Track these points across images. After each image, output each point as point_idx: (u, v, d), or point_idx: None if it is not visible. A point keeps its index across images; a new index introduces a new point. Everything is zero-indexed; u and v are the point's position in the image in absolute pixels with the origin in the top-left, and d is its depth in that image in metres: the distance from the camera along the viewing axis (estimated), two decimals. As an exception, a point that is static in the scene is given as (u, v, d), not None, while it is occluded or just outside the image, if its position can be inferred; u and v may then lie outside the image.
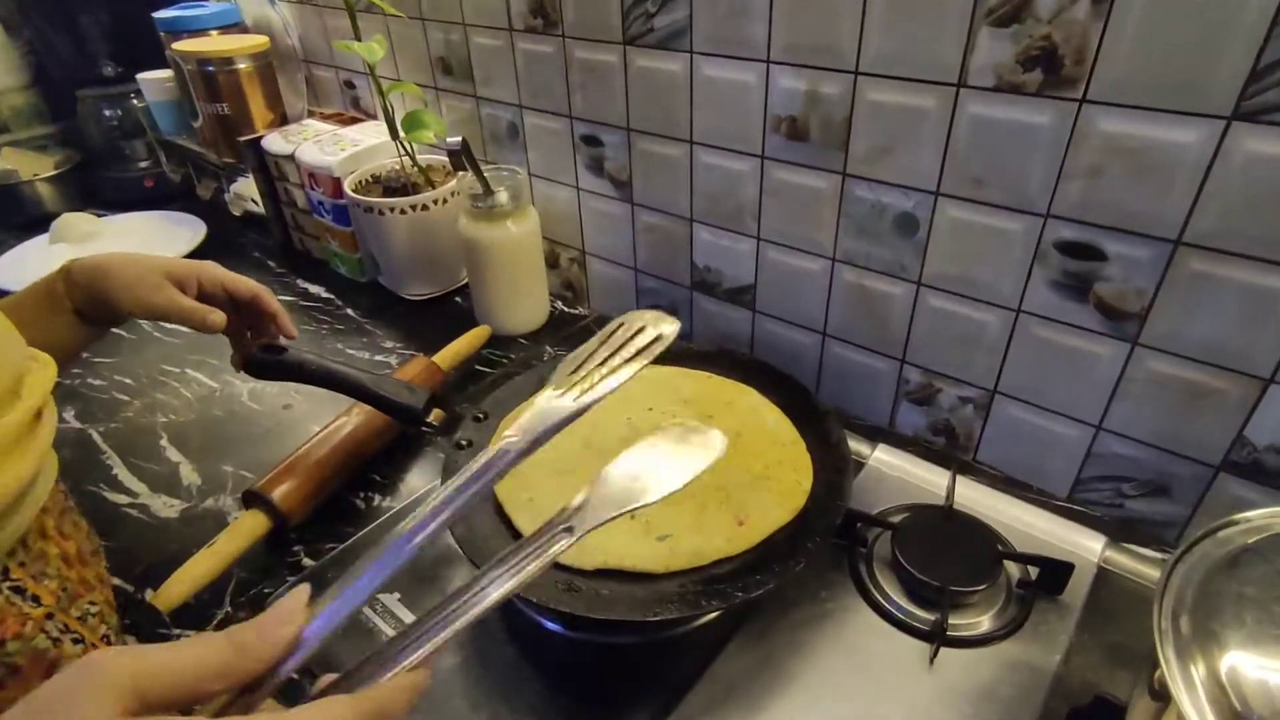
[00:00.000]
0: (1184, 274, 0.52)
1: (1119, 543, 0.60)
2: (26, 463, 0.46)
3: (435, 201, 0.93)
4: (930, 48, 0.56)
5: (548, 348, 0.91)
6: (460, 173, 0.88)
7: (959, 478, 0.64)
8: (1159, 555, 0.60)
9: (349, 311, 1.00)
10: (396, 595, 0.59)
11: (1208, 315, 0.53)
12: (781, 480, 0.57)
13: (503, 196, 0.84)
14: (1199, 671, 0.33)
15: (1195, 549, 0.37)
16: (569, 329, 0.95)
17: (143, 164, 1.36)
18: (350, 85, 1.14)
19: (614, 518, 0.33)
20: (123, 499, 0.71)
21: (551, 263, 1.00)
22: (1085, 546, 0.60)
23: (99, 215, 1.23)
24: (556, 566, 0.52)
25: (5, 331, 0.50)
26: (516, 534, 0.55)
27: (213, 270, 0.63)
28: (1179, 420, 0.57)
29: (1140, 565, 0.58)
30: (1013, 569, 0.58)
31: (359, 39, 0.85)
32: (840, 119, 0.63)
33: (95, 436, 0.79)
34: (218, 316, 0.60)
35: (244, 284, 0.63)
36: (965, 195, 0.60)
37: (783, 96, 0.66)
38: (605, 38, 0.76)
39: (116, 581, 0.63)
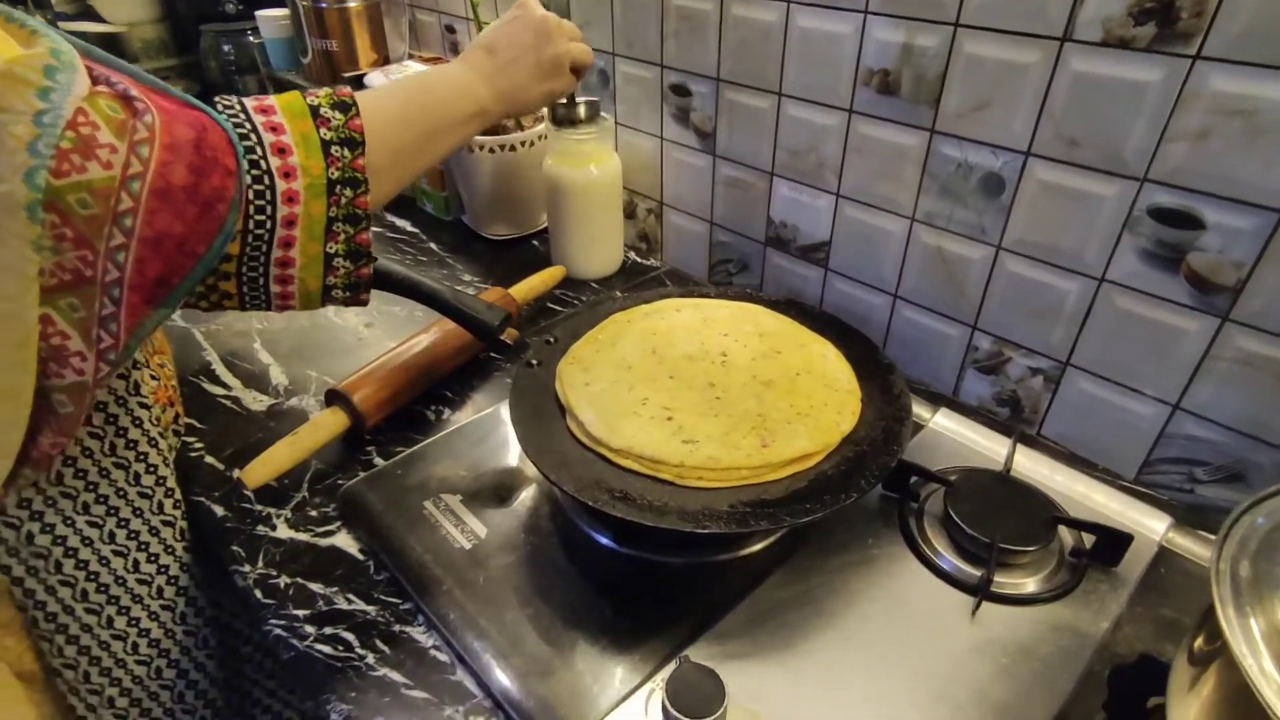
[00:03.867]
0: (1287, 247, 0.50)
1: (1186, 526, 0.58)
2: None
3: (522, 144, 0.95)
4: (1037, -1, 0.55)
5: (618, 293, 0.93)
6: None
7: (1020, 447, 0.63)
8: (1227, 543, 0.58)
9: (432, 245, 1.05)
10: (459, 497, 0.63)
11: (1309, 292, 0.50)
12: (820, 419, 0.57)
13: (581, 111, 0.84)
14: (1258, 621, 0.33)
15: (1266, 503, 0.36)
16: (640, 278, 0.97)
17: (253, 98, 1.44)
18: (450, 30, 1.18)
19: None
20: (218, 390, 0.77)
21: (629, 213, 1.02)
22: (1147, 525, 0.58)
23: (211, 142, 1.31)
24: (597, 454, 0.55)
25: None
26: (573, 436, 0.58)
27: None
28: (1265, 404, 0.55)
29: (1206, 549, 0.56)
30: (1067, 537, 0.57)
31: (465, -22, 0.88)
32: (935, 73, 0.63)
33: (198, 335, 0.86)
34: None
35: None
36: (1057, 156, 0.58)
37: (877, 49, 0.66)
38: (704, -15, 0.76)
39: (209, 459, 0.69)
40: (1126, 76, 0.53)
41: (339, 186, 0.48)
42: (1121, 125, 0.54)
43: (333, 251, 0.50)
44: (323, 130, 0.47)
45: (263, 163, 0.45)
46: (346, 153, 0.48)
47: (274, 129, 0.46)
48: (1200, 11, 0.48)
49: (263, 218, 0.45)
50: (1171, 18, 0.49)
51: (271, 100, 0.47)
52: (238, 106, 0.46)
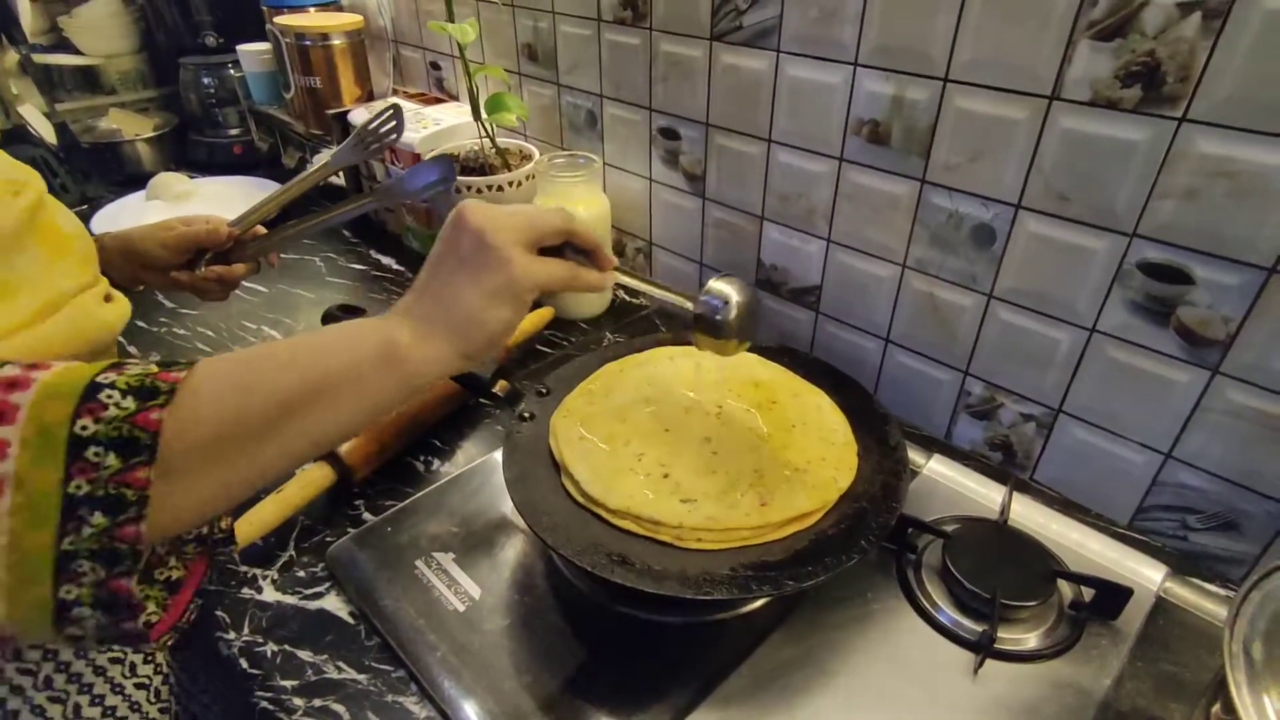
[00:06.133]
0: (1276, 303, 0.51)
1: (1181, 575, 0.58)
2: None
3: (510, 184, 0.95)
4: (1025, 58, 0.56)
5: (608, 334, 0.93)
6: (541, 157, 0.90)
7: (1014, 495, 0.63)
8: (1223, 592, 0.58)
9: (418, 284, 1.03)
10: (452, 555, 0.61)
11: (1297, 348, 0.51)
12: (818, 475, 0.57)
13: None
14: (1273, 701, 0.33)
15: (1272, 578, 0.37)
16: (629, 317, 0.96)
17: (233, 131, 1.43)
18: (435, 67, 1.18)
19: None
20: (200, 441, 0.75)
21: (617, 251, 1.02)
22: (1144, 575, 0.58)
23: (191, 177, 1.29)
24: (591, 515, 0.54)
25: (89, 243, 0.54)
26: (568, 493, 0.57)
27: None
28: (1256, 454, 0.56)
29: (1202, 600, 0.57)
30: (1066, 589, 0.57)
31: (452, 20, 0.88)
32: (924, 125, 0.63)
33: (178, 381, 0.84)
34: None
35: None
36: (1048, 210, 0.59)
37: (867, 100, 0.66)
38: (693, 32, 0.77)
39: (191, 516, 0.66)
40: (1115, 135, 0.53)
41: (85, 508, 0.31)
42: (1111, 182, 0.55)
43: (69, 597, 0.31)
44: (83, 421, 0.31)
45: None
46: (113, 459, 0.31)
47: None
48: (1186, 76, 0.49)
49: None
50: (1158, 81, 0.50)
51: (38, 373, 0.32)
52: None
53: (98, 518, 0.31)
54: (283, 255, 1.10)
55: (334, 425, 0.38)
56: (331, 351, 0.39)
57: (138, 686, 0.53)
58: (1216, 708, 0.39)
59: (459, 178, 0.94)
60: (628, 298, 1.01)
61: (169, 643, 0.48)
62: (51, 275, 0.49)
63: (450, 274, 0.42)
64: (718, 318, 0.50)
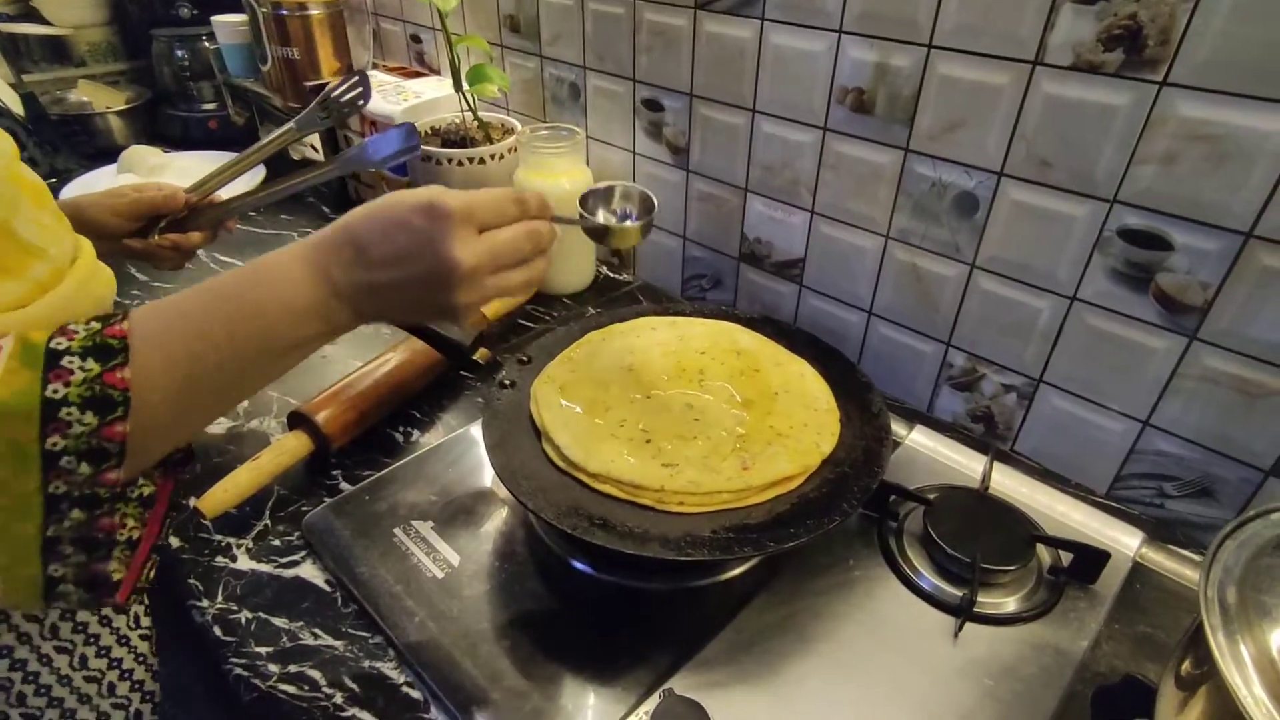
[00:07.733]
0: (1253, 269, 0.51)
1: (1157, 541, 0.59)
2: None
3: (492, 156, 0.94)
4: (1009, 23, 0.55)
5: (590, 309, 0.92)
6: (523, 130, 0.89)
7: (995, 464, 0.64)
8: (1198, 557, 0.59)
9: (398, 259, 1.02)
10: (431, 523, 0.60)
11: (1273, 313, 0.51)
12: (801, 440, 0.57)
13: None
14: (1248, 645, 0.33)
15: (1247, 527, 0.37)
16: (612, 293, 0.96)
17: (208, 105, 1.40)
18: (416, 40, 1.16)
19: None
20: (173, 412, 0.74)
21: (600, 227, 1.01)
22: (1122, 541, 0.59)
23: (165, 151, 1.26)
24: (571, 477, 0.53)
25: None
26: (549, 459, 0.56)
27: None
28: (1231, 420, 0.56)
29: (1178, 565, 0.57)
30: (1045, 555, 0.58)
31: (433, -12, 0.86)
32: (908, 93, 0.63)
33: (150, 353, 0.82)
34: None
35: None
36: (1030, 177, 0.59)
37: (851, 67, 0.66)
38: (677, 1, 0.76)
39: (163, 486, 0.65)
40: (1096, 100, 0.54)
41: (65, 504, 0.34)
42: (1092, 147, 0.55)
43: (56, 575, 0.35)
44: (54, 386, 0.33)
45: None
46: (91, 417, 0.33)
47: None
48: (1166, 39, 0.49)
49: None
50: (1139, 45, 0.50)
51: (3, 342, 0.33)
52: None
53: (75, 513, 0.35)
54: (263, 229, 1.08)
55: (269, 380, 0.42)
56: (285, 328, 0.40)
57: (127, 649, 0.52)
58: (1187, 663, 0.39)
59: (441, 149, 0.93)
60: (611, 274, 1.00)
61: (134, 603, 0.48)
62: (61, 231, 0.46)
63: (413, 308, 0.43)
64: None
